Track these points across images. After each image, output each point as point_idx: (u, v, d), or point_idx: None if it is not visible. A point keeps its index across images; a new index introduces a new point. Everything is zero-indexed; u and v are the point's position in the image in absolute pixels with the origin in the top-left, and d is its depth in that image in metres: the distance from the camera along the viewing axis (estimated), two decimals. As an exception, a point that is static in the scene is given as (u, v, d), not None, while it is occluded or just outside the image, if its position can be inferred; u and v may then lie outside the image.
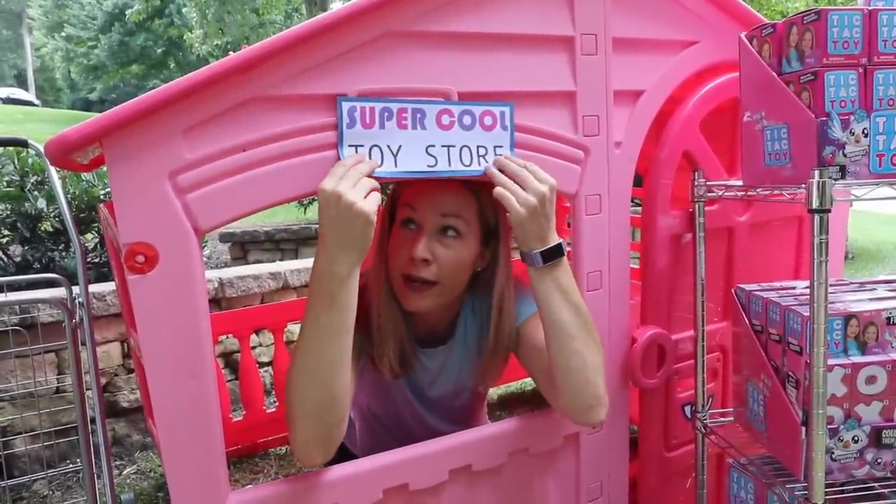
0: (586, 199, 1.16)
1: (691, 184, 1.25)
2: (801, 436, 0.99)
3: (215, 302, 2.61)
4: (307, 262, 3.09)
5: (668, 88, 1.24)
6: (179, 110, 0.84)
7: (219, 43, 14.54)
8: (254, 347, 2.70)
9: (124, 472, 2.24)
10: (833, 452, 0.98)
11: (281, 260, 4.45)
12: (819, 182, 0.88)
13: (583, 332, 1.00)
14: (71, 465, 2.12)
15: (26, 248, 3.02)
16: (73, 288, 1.64)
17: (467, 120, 1.01)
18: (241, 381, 2.26)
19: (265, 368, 2.77)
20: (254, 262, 4.51)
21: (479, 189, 1.06)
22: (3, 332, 1.95)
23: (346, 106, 0.92)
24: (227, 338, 2.61)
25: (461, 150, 1.00)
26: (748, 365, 1.14)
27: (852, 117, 0.91)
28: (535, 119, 1.08)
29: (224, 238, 4.80)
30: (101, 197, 2.97)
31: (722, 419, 1.27)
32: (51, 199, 2.87)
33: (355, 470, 1.02)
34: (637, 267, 1.31)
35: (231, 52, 0.93)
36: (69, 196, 2.88)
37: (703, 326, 1.27)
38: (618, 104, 1.17)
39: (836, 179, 0.90)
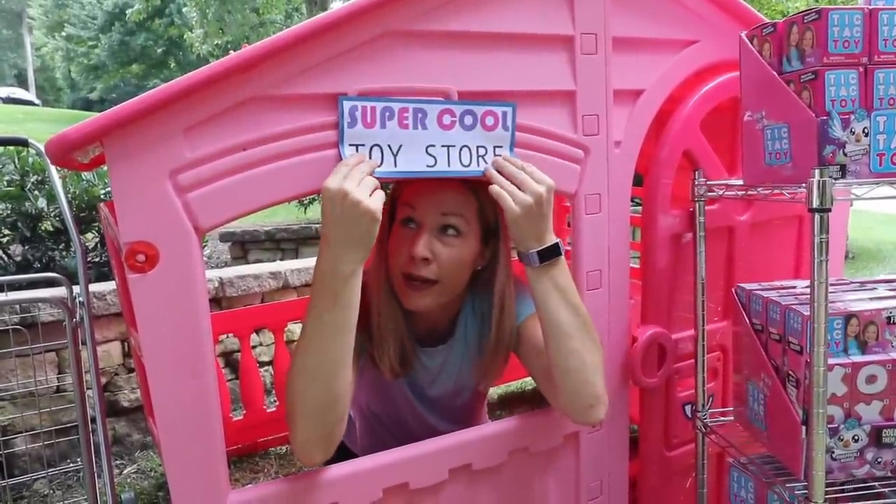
0: (586, 199, 1.16)
1: (692, 183, 1.25)
2: (801, 435, 0.99)
3: (216, 301, 2.61)
4: (307, 262, 3.09)
5: (668, 88, 1.24)
6: (180, 109, 0.84)
7: (219, 42, 14.54)
8: (254, 347, 2.70)
9: (125, 472, 2.25)
10: (833, 452, 0.98)
11: (281, 259, 4.45)
12: (819, 181, 0.87)
13: (581, 332, 1.00)
14: (71, 465, 2.12)
15: (27, 247, 3.02)
16: (74, 287, 1.64)
17: (469, 120, 1.00)
18: (242, 380, 2.26)
19: (265, 368, 2.77)
20: (254, 262, 4.51)
21: (479, 188, 1.06)
22: (4, 332, 1.95)
23: (347, 105, 0.92)
24: (228, 337, 2.61)
25: (461, 150, 1.00)
26: (748, 364, 1.14)
27: (853, 116, 0.91)
28: (535, 118, 1.08)
29: (224, 238, 4.80)
30: (102, 196, 2.97)
31: (722, 418, 1.27)
32: (51, 198, 2.87)
33: (355, 469, 1.02)
34: (637, 266, 1.31)
35: (231, 52, 0.93)
36: (69, 195, 2.88)
37: (703, 326, 1.27)
38: (618, 103, 1.17)
39: (836, 179, 0.90)
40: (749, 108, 1.08)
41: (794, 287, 1.15)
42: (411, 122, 0.96)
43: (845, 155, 0.91)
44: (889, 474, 1.01)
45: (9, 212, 2.92)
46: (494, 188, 0.98)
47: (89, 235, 3.21)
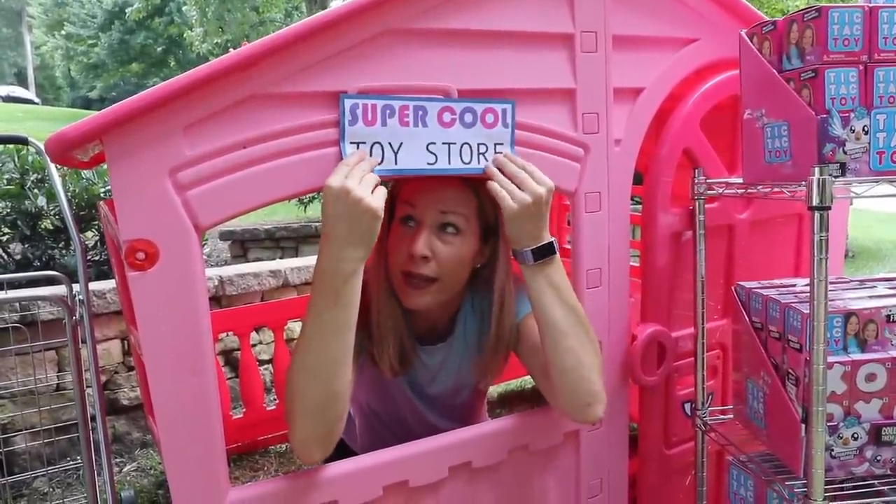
0: (586, 197, 1.16)
1: (691, 181, 1.24)
2: (800, 433, 0.99)
3: (216, 300, 2.61)
4: (307, 260, 3.09)
5: (668, 86, 1.24)
6: (180, 107, 0.84)
7: (219, 41, 14.54)
8: (254, 345, 2.70)
9: (124, 470, 2.25)
10: (833, 450, 0.98)
11: (281, 258, 4.45)
12: (819, 179, 0.87)
13: (577, 330, 1.00)
14: (71, 463, 2.12)
15: (26, 245, 3.02)
16: (74, 285, 1.64)
17: (469, 117, 1.01)
18: (242, 378, 2.26)
19: (265, 366, 2.77)
20: (254, 260, 4.51)
21: (478, 186, 1.05)
22: (4, 330, 1.95)
23: (348, 103, 0.92)
24: (228, 335, 2.61)
25: (461, 147, 1.00)
26: (748, 362, 1.14)
27: (852, 114, 0.91)
28: (535, 116, 1.08)
29: (224, 236, 4.81)
30: (101, 194, 2.97)
31: (722, 416, 1.27)
32: (51, 196, 2.88)
33: (355, 467, 1.02)
34: (637, 264, 1.31)
35: (231, 50, 0.93)
36: (69, 194, 2.88)
37: (703, 324, 1.27)
38: (618, 102, 1.17)
39: (836, 177, 0.90)
40: (749, 107, 1.08)
41: (794, 285, 1.15)
42: (412, 119, 0.96)
43: (845, 153, 0.91)
44: (888, 472, 1.01)
45: (8, 210, 2.93)
46: (493, 185, 0.98)
47: (89, 234, 3.21)
